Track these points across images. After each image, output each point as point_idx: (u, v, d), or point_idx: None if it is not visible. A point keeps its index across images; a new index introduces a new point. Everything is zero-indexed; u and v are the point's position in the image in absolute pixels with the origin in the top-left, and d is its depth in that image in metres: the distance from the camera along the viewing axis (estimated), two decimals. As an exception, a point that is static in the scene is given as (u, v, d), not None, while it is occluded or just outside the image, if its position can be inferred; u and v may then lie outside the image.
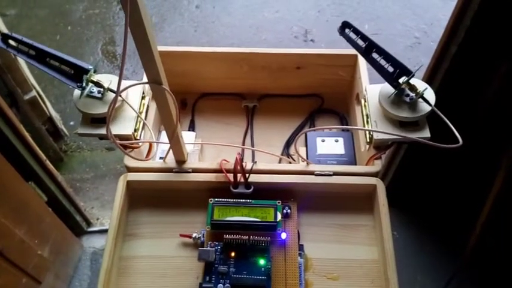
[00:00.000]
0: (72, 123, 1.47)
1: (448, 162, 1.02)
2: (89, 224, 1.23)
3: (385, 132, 0.58)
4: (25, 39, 0.56)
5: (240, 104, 0.79)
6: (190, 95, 0.79)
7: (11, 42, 0.56)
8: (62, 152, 1.39)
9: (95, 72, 0.60)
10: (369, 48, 0.59)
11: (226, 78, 0.77)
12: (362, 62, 0.71)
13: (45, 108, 1.28)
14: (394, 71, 0.58)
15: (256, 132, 0.77)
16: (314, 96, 0.80)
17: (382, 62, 0.58)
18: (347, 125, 0.77)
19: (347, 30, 0.60)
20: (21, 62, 1.19)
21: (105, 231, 1.20)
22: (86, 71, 0.58)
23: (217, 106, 0.79)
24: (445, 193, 1.16)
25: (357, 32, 0.59)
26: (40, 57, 0.57)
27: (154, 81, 0.48)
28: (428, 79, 0.89)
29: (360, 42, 0.59)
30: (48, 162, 1.05)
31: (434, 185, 1.15)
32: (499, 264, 1.06)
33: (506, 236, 1.02)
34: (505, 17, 0.73)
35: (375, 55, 0.59)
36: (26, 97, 1.21)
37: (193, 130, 0.76)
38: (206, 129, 0.77)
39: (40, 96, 1.26)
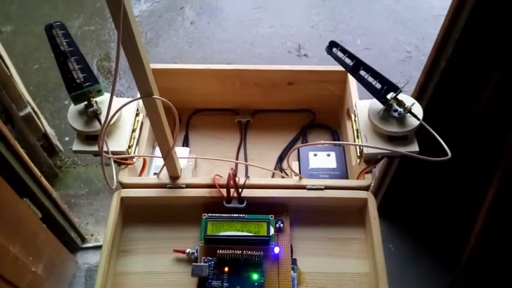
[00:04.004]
0: (67, 138, 1.47)
1: (441, 174, 1.03)
2: (83, 240, 1.23)
3: (373, 147, 0.60)
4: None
5: (233, 119, 0.80)
6: (184, 111, 0.80)
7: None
8: (57, 168, 1.40)
9: (99, 92, 0.60)
10: (357, 66, 0.60)
11: (219, 94, 0.78)
12: (352, 78, 0.72)
13: (40, 125, 1.29)
14: (381, 88, 0.59)
15: (249, 146, 0.78)
16: (306, 111, 0.81)
17: (370, 79, 0.60)
18: (338, 139, 0.78)
19: (334, 49, 0.61)
20: (17, 78, 1.20)
21: (99, 247, 1.19)
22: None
23: (210, 121, 0.80)
24: (440, 205, 1.16)
25: (344, 50, 0.61)
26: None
27: (146, 95, 0.49)
28: (419, 93, 0.91)
29: (348, 61, 0.61)
30: (43, 179, 1.06)
31: (428, 197, 1.16)
32: (494, 275, 1.06)
33: (500, 246, 1.03)
34: (492, 30, 0.75)
35: (362, 72, 0.60)
36: (21, 113, 1.22)
37: (187, 145, 0.77)
38: (200, 145, 0.78)
39: (35, 112, 1.27)
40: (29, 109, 1.23)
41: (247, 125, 0.80)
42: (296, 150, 0.73)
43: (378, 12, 1.90)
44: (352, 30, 1.83)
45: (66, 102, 1.57)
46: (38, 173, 1.05)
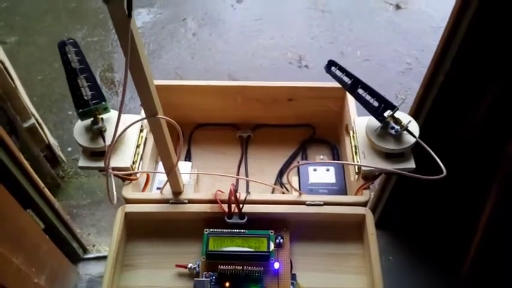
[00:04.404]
0: (69, 149, 1.49)
1: (439, 186, 1.04)
2: (85, 250, 1.23)
3: (370, 166, 0.61)
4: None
5: (234, 134, 0.82)
6: (186, 126, 0.82)
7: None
8: (59, 178, 1.41)
9: (105, 109, 0.62)
10: (354, 85, 0.62)
11: (221, 109, 0.80)
12: (350, 95, 0.74)
13: (43, 136, 1.30)
14: (379, 106, 0.61)
15: (250, 161, 0.79)
16: (306, 126, 0.83)
17: (368, 97, 0.61)
18: (338, 154, 0.79)
19: (333, 68, 0.63)
20: (21, 90, 1.22)
21: (101, 258, 1.21)
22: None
23: (212, 136, 0.82)
24: (439, 217, 1.17)
25: (342, 69, 0.63)
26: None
27: (152, 116, 0.50)
28: (418, 106, 0.92)
29: (346, 79, 0.63)
30: (46, 190, 1.07)
31: (428, 209, 1.16)
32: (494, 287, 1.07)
33: (499, 258, 1.03)
34: (491, 42, 0.76)
35: (360, 91, 0.62)
36: (25, 125, 1.23)
37: (189, 160, 0.79)
38: (202, 159, 0.79)
39: (39, 123, 1.29)
40: (33, 120, 1.24)
41: (248, 139, 0.82)
42: (296, 166, 0.74)
43: (378, 24, 1.92)
44: (352, 42, 1.85)
45: (69, 112, 1.59)
46: (42, 185, 1.06)
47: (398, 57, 1.78)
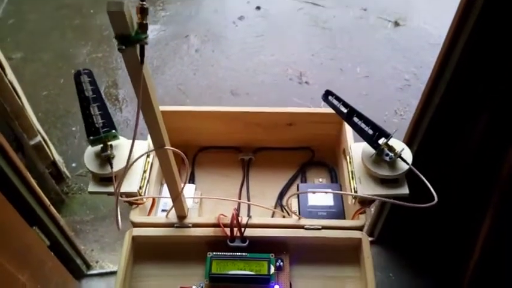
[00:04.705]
0: (74, 164, 1.51)
1: (438, 206, 1.06)
2: (88, 267, 1.24)
3: (365, 195, 0.64)
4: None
5: (236, 156, 0.85)
6: (190, 149, 0.85)
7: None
8: (64, 194, 1.42)
9: (114, 137, 0.65)
10: (350, 114, 0.65)
11: (223, 133, 0.83)
12: (346, 122, 0.77)
13: (49, 153, 1.33)
14: (373, 134, 0.64)
15: (251, 183, 0.82)
16: (305, 148, 0.86)
17: (363, 125, 0.64)
18: (336, 176, 0.82)
19: (330, 97, 0.66)
20: (28, 108, 1.25)
21: (104, 274, 1.22)
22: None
23: (215, 159, 0.85)
24: (439, 234, 1.19)
25: (338, 99, 0.66)
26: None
27: (160, 147, 0.53)
28: (413, 129, 0.94)
29: (342, 108, 0.66)
30: (52, 208, 1.09)
31: (427, 227, 1.18)
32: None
33: (498, 276, 1.05)
34: (488, 61, 0.77)
35: (355, 119, 0.65)
36: (32, 142, 1.25)
37: (193, 182, 0.82)
38: (205, 181, 0.82)
39: (45, 140, 1.31)
40: (39, 138, 1.27)
41: (249, 162, 0.85)
42: (295, 188, 0.77)
43: (377, 41, 1.96)
44: (352, 59, 1.88)
45: (73, 128, 1.62)
46: (48, 202, 1.08)
47: (397, 74, 1.81)
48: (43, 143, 1.30)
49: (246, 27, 2.02)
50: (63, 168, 1.44)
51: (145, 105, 0.46)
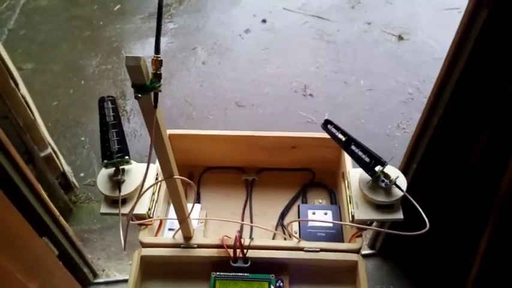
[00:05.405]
0: (82, 174, 1.55)
1: (440, 220, 1.09)
2: (95, 275, 1.28)
3: (360, 226, 0.68)
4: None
5: (240, 177, 0.89)
6: (196, 169, 0.89)
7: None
8: (72, 203, 1.46)
9: (127, 162, 0.68)
10: (348, 142, 0.69)
11: (228, 155, 0.87)
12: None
13: (59, 164, 1.37)
14: (370, 161, 0.67)
15: (254, 203, 0.86)
16: (306, 170, 0.89)
17: (360, 153, 0.68)
18: (335, 198, 0.86)
19: (329, 126, 0.70)
20: (39, 121, 1.29)
21: (110, 282, 1.26)
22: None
23: (220, 179, 0.89)
24: (439, 247, 1.21)
25: (337, 128, 0.69)
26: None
27: (169, 177, 0.57)
28: (414, 144, 0.96)
29: (340, 136, 0.69)
30: (61, 218, 1.12)
31: (428, 240, 1.20)
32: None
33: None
34: (490, 75, 0.79)
35: (353, 147, 0.68)
36: (42, 154, 1.29)
37: (198, 201, 0.85)
38: (210, 200, 0.86)
39: (55, 152, 1.35)
40: (49, 150, 1.31)
41: (252, 182, 0.88)
42: (296, 208, 0.81)
43: (381, 54, 1.98)
44: (356, 72, 1.91)
45: (82, 138, 1.66)
46: (57, 213, 1.12)
47: (400, 88, 1.83)
48: (53, 154, 1.33)
49: (252, 40, 2.06)
50: (72, 178, 1.48)
51: (157, 142, 0.49)
